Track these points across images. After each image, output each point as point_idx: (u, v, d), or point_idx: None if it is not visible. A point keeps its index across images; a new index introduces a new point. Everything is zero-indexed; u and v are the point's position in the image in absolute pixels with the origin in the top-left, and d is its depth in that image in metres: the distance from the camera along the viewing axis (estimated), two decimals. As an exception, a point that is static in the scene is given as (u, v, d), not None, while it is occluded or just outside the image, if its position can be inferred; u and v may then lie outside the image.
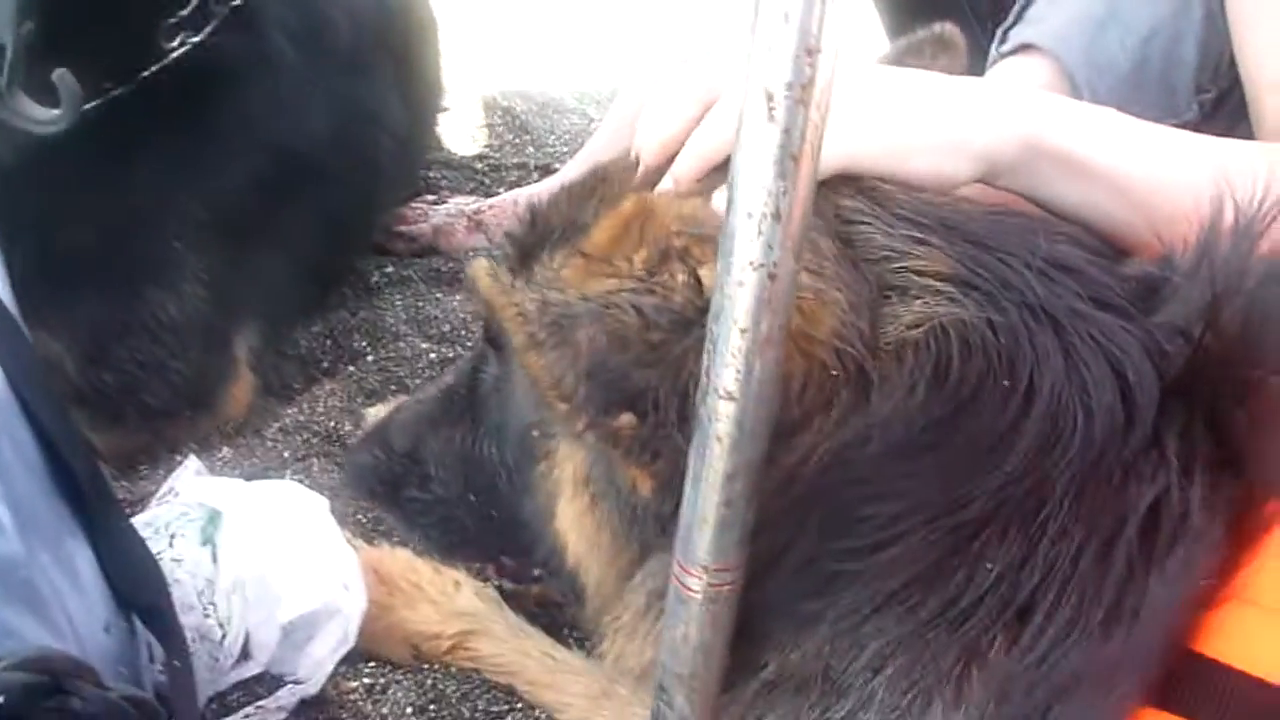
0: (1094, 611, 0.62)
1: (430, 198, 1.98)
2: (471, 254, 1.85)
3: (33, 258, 1.06)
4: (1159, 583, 0.62)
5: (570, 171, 1.93)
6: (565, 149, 2.22)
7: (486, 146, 2.20)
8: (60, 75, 0.93)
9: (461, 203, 1.97)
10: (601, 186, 0.81)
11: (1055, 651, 0.62)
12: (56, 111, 0.95)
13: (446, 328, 1.64)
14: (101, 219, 1.15)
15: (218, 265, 1.28)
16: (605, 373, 0.67)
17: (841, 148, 0.72)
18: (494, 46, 2.50)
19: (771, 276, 0.49)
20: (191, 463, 1.20)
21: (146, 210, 1.17)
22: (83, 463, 0.87)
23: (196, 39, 1.07)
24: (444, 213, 1.92)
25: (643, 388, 0.66)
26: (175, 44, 1.12)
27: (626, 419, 0.68)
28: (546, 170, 2.14)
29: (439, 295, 1.75)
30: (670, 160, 0.79)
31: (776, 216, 0.48)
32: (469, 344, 1.61)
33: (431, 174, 2.08)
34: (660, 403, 0.66)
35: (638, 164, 0.82)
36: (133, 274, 1.21)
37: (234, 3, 1.16)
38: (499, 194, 2.05)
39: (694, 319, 0.62)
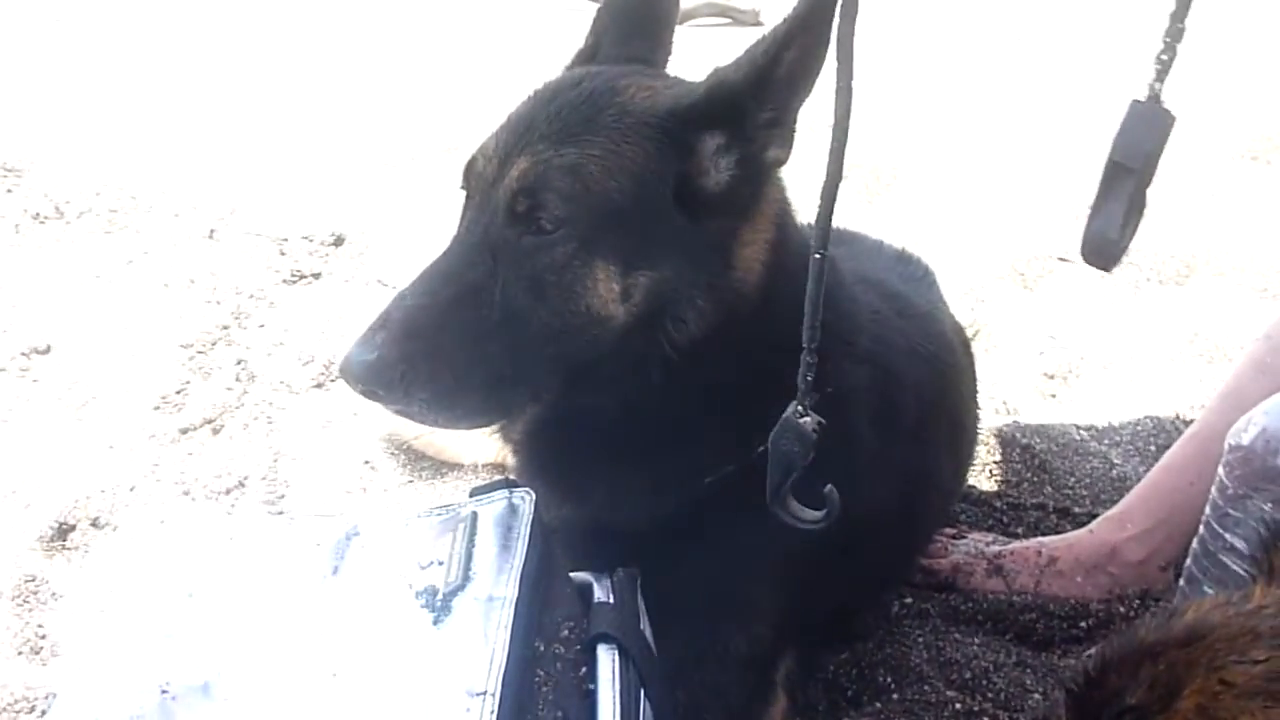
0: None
1: (950, 531, 2.09)
2: (990, 595, 1.92)
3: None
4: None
5: (1103, 529, 1.96)
6: (1085, 493, 2.24)
7: (1004, 483, 2.28)
8: (829, 491, 1.20)
9: (980, 540, 2.05)
10: (1150, 665, 0.84)
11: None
12: (820, 514, 1.21)
13: (968, 674, 1.70)
14: (702, 569, 1.40)
15: (779, 606, 1.49)
16: None
17: None
18: (1006, 380, 2.62)
19: None
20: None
21: (738, 562, 1.39)
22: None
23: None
24: (964, 550, 2.02)
25: None
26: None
27: None
28: (1065, 514, 2.18)
29: (957, 635, 1.82)
30: None
31: None
32: (991, 694, 1.66)
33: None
34: None
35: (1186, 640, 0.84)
36: (717, 613, 1.43)
37: (828, 390, 1.38)
38: (1017, 534, 2.12)
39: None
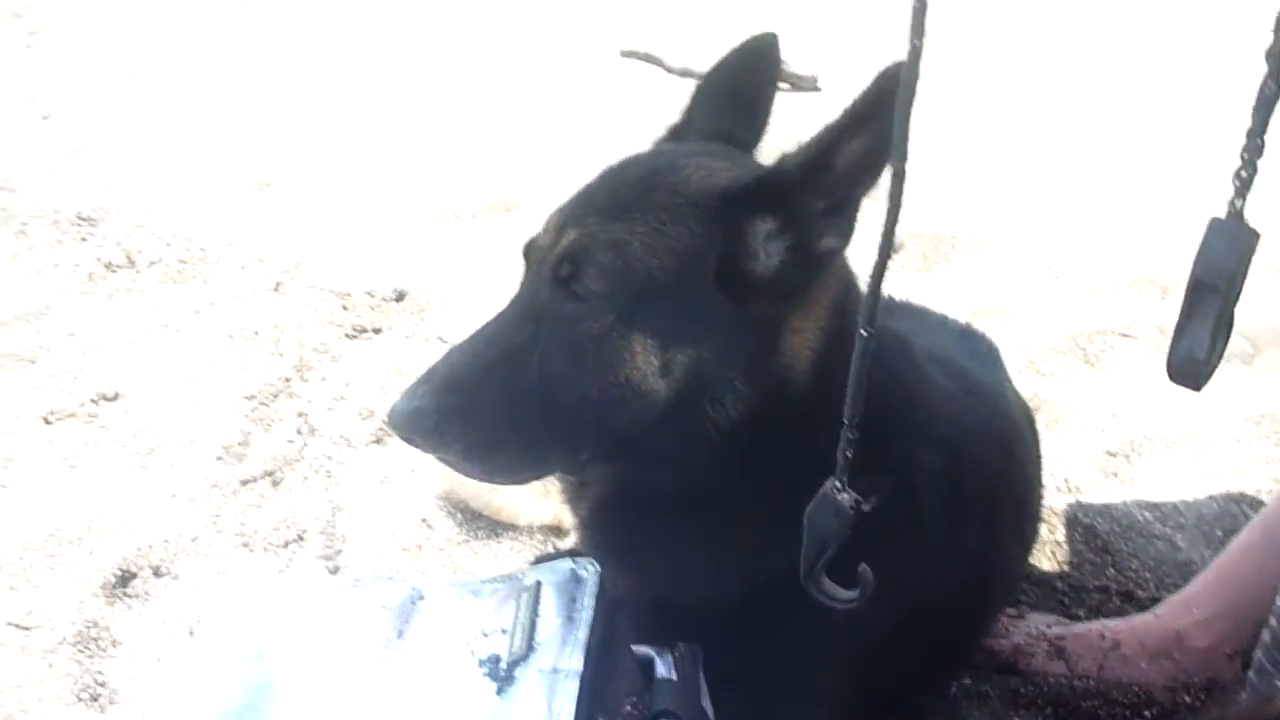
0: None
1: (1011, 611, 2.05)
2: (1051, 679, 1.88)
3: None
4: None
5: (1168, 614, 1.92)
6: (1149, 576, 2.19)
7: (1067, 564, 2.24)
8: (863, 570, 1.18)
9: (1042, 621, 2.02)
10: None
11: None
12: (853, 594, 1.20)
13: (1029, 764, 1.66)
14: (765, 648, 1.39)
15: (841, 688, 1.47)
16: None
17: None
18: (1068, 457, 2.58)
19: None
20: None
21: (801, 642, 1.39)
22: None
23: (866, 507, 1.27)
24: (1025, 631, 1.98)
25: None
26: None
27: None
28: (1128, 597, 2.13)
29: (1017, 720, 1.79)
30: None
31: None
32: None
33: (1011, 585, 2.16)
34: None
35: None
36: (779, 692, 1.42)
37: (897, 473, 1.38)
38: (1079, 616, 2.08)
39: None
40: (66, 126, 5.70)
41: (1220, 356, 1.18)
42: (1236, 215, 1.14)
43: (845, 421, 1.16)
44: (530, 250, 1.41)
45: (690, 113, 1.54)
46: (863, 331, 1.13)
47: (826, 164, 1.26)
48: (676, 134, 1.54)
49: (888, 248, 1.10)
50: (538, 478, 1.47)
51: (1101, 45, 6.23)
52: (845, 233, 1.31)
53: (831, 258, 1.35)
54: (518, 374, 1.31)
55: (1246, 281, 1.18)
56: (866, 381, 1.14)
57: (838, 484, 1.19)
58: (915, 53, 1.00)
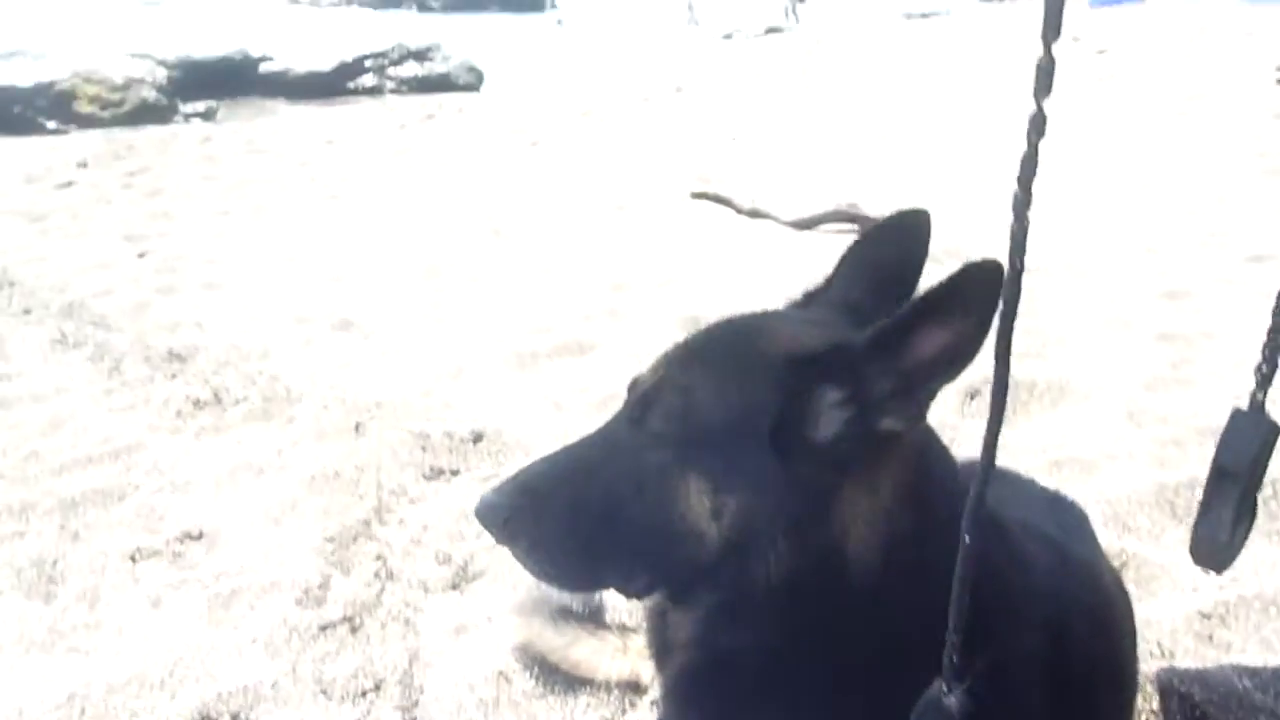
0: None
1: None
2: None
3: None
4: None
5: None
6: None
7: (1165, 736, 2.15)
8: None
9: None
10: None
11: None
12: None
13: None
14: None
15: None
16: None
17: None
18: (1160, 619, 2.50)
19: None
20: None
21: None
22: None
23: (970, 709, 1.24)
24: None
25: None
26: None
27: None
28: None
29: None
30: None
31: None
32: None
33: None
34: None
35: None
36: None
37: (997, 659, 1.34)
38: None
39: None
40: (160, 264, 5.97)
41: (1243, 540, 1.21)
42: (1258, 407, 1.18)
43: (950, 626, 1.17)
44: (632, 384, 1.48)
45: (830, 279, 1.56)
46: (965, 537, 1.13)
47: (898, 346, 1.25)
48: (809, 299, 1.57)
49: (990, 457, 1.11)
50: (593, 590, 1.61)
51: (1178, 188, 6.26)
52: (911, 417, 1.30)
53: (892, 439, 1.32)
54: (587, 491, 1.39)
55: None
56: (939, 574, 1.16)
57: (944, 688, 1.19)
58: (1016, 274, 1.03)
